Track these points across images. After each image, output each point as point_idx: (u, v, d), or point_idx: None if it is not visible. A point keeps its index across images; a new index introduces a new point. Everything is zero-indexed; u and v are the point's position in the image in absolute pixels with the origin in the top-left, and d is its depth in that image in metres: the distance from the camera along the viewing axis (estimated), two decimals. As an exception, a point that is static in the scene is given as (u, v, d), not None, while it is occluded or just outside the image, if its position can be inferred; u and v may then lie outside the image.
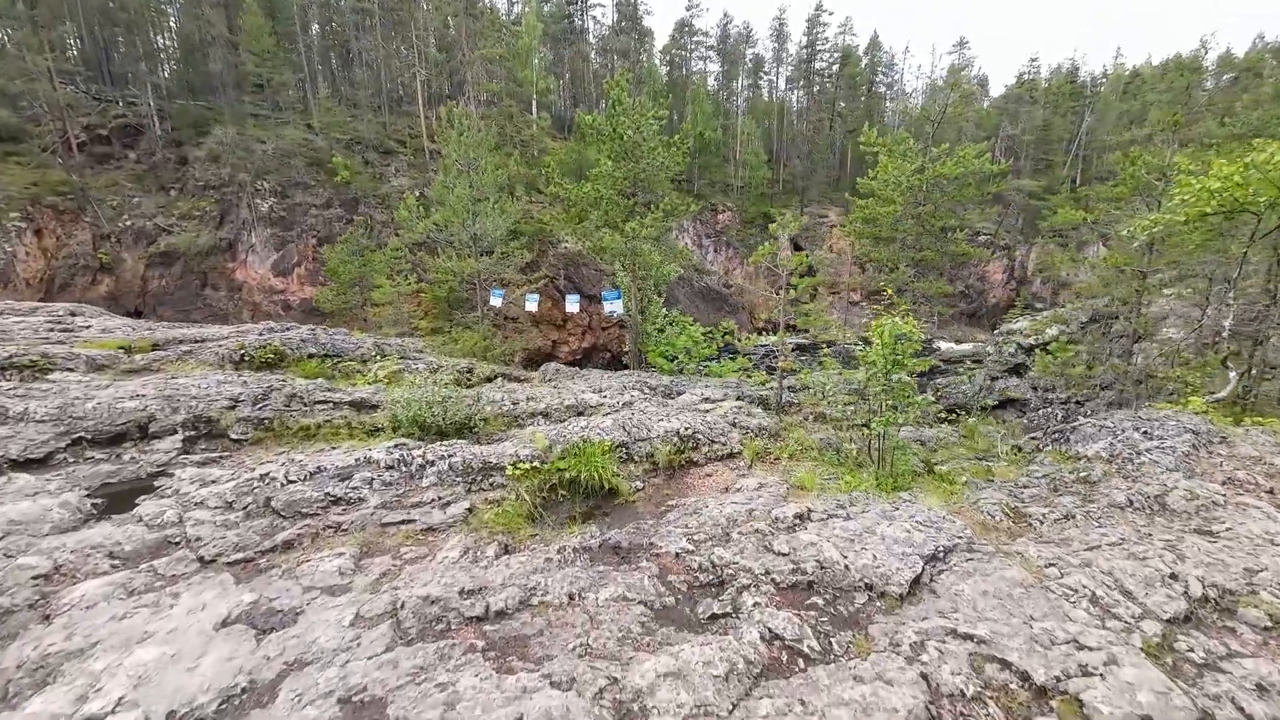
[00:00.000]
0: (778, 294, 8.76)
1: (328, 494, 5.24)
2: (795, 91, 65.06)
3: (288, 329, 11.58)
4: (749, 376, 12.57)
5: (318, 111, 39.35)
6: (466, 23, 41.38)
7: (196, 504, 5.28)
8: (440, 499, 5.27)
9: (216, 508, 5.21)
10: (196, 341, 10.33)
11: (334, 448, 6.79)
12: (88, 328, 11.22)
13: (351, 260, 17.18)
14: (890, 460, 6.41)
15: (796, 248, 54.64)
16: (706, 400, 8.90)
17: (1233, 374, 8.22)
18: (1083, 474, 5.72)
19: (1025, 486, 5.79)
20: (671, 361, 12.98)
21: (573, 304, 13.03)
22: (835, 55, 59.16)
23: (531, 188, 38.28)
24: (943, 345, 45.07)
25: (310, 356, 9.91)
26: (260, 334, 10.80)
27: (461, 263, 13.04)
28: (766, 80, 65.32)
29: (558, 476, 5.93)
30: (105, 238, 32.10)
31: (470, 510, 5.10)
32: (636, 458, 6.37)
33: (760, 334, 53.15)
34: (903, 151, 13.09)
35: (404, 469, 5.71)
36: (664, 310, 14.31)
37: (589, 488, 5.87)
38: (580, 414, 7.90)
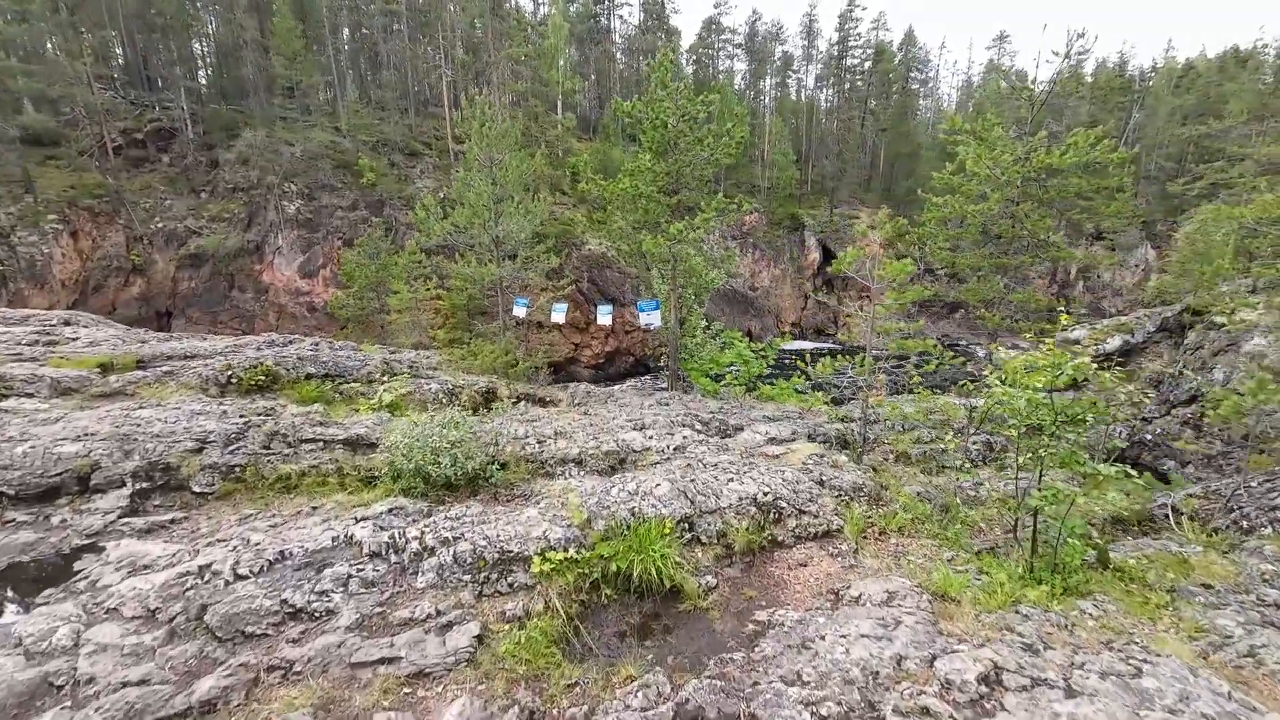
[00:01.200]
0: (861, 306, 6.96)
1: (284, 602, 3.66)
2: (825, 90, 62.36)
3: (289, 342, 10.18)
4: (804, 399, 10.74)
5: (345, 114, 38.58)
6: (493, 23, 40.14)
7: (109, 610, 3.76)
8: (439, 614, 3.64)
9: (133, 619, 3.68)
10: (185, 358, 8.97)
11: (315, 508, 5.24)
12: (75, 339, 9.98)
13: (369, 264, 15.85)
14: (1054, 548, 4.57)
15: (825, 251, 52.22)
16: (773, 441, 7.14)
17: None
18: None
19: (1277, 605, 3.91)
20: (717, 381, 11.24)
21: (604, 315, 11.41)
22: (868, 52, 56.35)
23: (556, 189, 36.88)
24: (980, 352, 42.21)
25: (308, 377, 8.46)
26: (257, 349, 9.40)
27: (482, 268, 11.51)
28: (795, 78, 62.76)
29: (601, 568, 4.26)
30: (138, 240, 31.73)
31: (480, 639, 3.46)
32: (705, 537, 4.66)
33: (784, 337, 50.93)
34: (996, 138, 11.06)
35: (394, 558, 4.10)
36: (705, 321, 12.59)
37: (644, 584, 4.20)
38: (622, 461, 6.23)
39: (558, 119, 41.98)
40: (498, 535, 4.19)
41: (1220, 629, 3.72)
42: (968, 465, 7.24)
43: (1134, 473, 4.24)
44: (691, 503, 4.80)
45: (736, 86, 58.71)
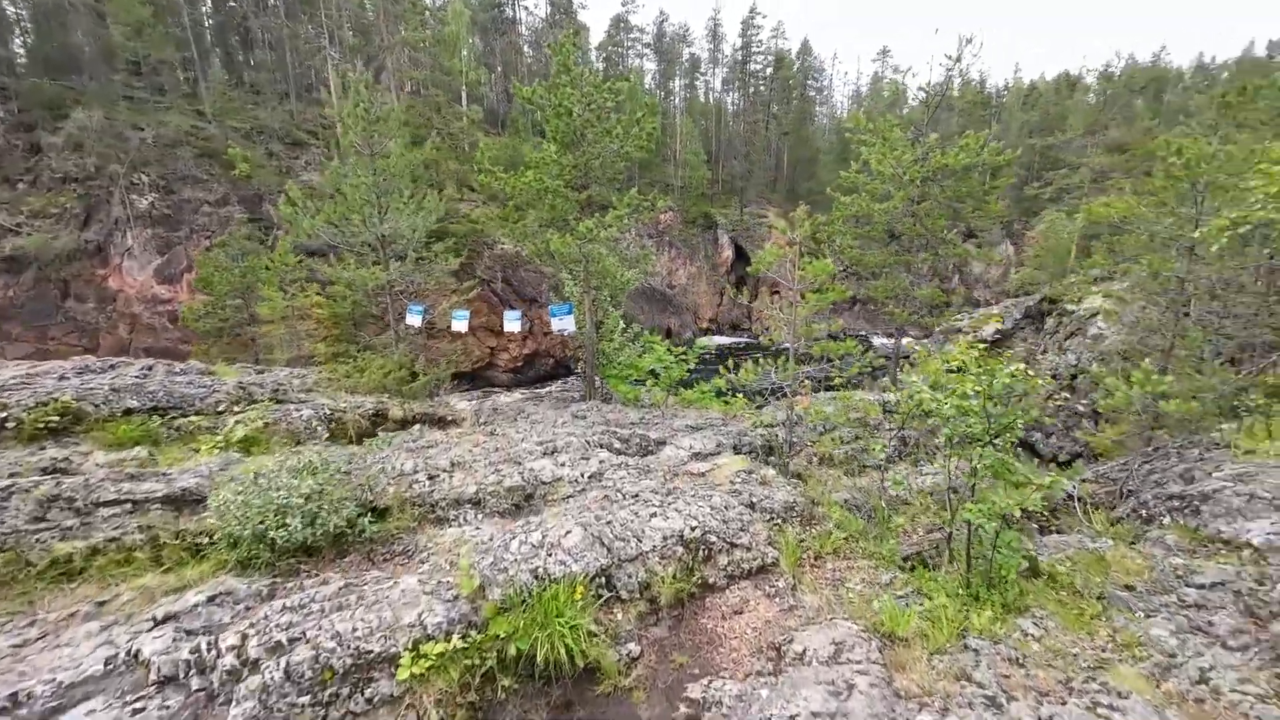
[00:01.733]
0: (780, 305, 6.55)
1: (1, 784, 2.42)
2: (731, 93, 64.09)
3: (111, 367, 8.14)
4: (727, 403, 10.35)
5: (210, 96, 33.68)
6: (386, 4, 36.80)
7: None
8: (256, 767, 2.58)
9: None
10: (-52, 395, 6.80)
11: (102, 604, 3.86)
12: None
13: (231, 268, 13.34)
14: (989, 561, 4.30)
15: (738, 249, 53.73)
16: (697, 456, 6.54)
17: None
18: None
19: (1199, 606, 3.83)
20: (637, 386, 10.56)
21: (513, 322, 10.31)
22: (769, 58, 58.52)
23: (464, 184, 34.62)
24: (877, 341, 45.24)
25: (129, 413, 6.68)
26: (61, 378, 7.37)
27: (365, 271, 9.91)
28: (703, 81, 63.91)
29: (498, 651, 3.37)
30: (-72, 240, 25.67)
31: (312, 803, 2.45)
32: (625, 592, 3.90)
33: (706, 335, 51.79)
34: (896, 139, 11.32)
35: (196, 682, 2.95)
36: (622, 323, 11.86)
37: (552, 666, 3.36)
38: (529, 497, 5.32)
39: (462, 110, 39.47)
40: (353, 629, 3.15)
41: (1157, 642, 3.54)
42: (886, 466, 7.08)
43: (1063, 478, 4.03)
44: (609, 550, 4.02)
45: (647, 86, 58.68)
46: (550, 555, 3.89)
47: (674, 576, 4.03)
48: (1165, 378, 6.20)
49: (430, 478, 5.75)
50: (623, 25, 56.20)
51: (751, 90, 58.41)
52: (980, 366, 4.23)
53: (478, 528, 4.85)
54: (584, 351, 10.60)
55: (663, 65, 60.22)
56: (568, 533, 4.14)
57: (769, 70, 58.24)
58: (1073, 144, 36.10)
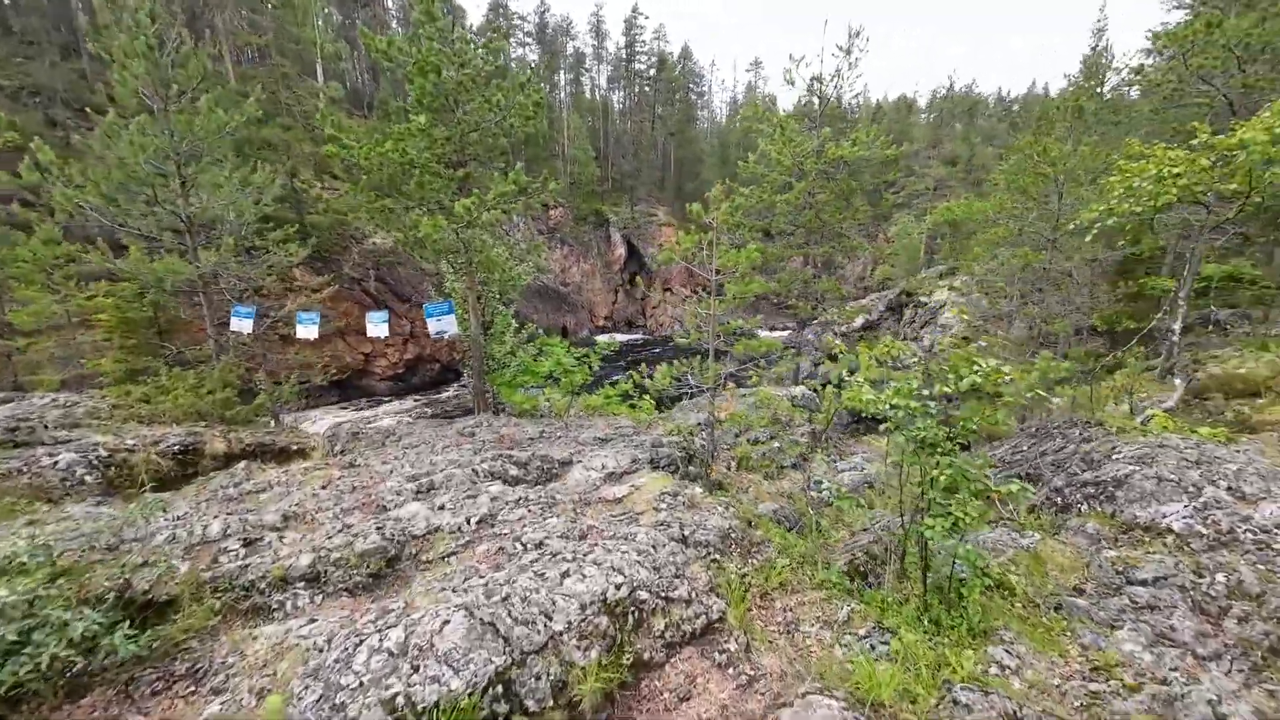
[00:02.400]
0: (699, 299, 5.75)
1: None
2: (617, 91, 63.73)
3: None
4: (634, 408, 9.44)
5: (-48, 41, 25.86)
6: (211, -49, 30.78)
7: None
8: None
9: None
10: None
11: None
12: None
13: (-40, 261, 9.59)
14: (949, 580, 3.80)
15: (630, 246, 53.59)
16: (611, 476, 5.51)
17: (1179, 380, 7.77)
18: (1215, 571, 3.71)
19: (1152, 607, 3.60)
20: (535, 394, 9.24)
21: (377, 325, 8.38)
22: (652, 59, 59.01)
23: (325, 171, 30.21)
24: (762, 334, 47.83)
25: None
26: None
27: (162, 263, 7.37)
28: (589, 77, 62.78)
29: None
30: None
31: None
32: (532, 702, 2.75)
33: (601, 334, 50.95)
34: (793, 130, 11.21)
35: None
36: (514, 323, 10.42)
37: None
38: (393, 561, 3.92)
39: (318, 86, 34.45)
40: None
41: (1134, 660, 3.20)
42: (806, 467, 6.62)
43: (1029, 486, 3.61)
44: (507, 642, 2.84)
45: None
46: (417, 668, 2.61)
47: (599, 664, 2.95)
48: (1063, 363, 6.47)
49: (248, 544, 4.09)
50: (502, 10, 53.25)
51: (637, 90, 58.60)
52: (941, 364, 3.69)
53: (312, 619, 3.37)
54: (471, 357, 9.04)
55: (546, 57, 58.14)
56: (444, 623, 2.88)
57: (652, 71, 58.77)
58: (918, 155, 40.63)
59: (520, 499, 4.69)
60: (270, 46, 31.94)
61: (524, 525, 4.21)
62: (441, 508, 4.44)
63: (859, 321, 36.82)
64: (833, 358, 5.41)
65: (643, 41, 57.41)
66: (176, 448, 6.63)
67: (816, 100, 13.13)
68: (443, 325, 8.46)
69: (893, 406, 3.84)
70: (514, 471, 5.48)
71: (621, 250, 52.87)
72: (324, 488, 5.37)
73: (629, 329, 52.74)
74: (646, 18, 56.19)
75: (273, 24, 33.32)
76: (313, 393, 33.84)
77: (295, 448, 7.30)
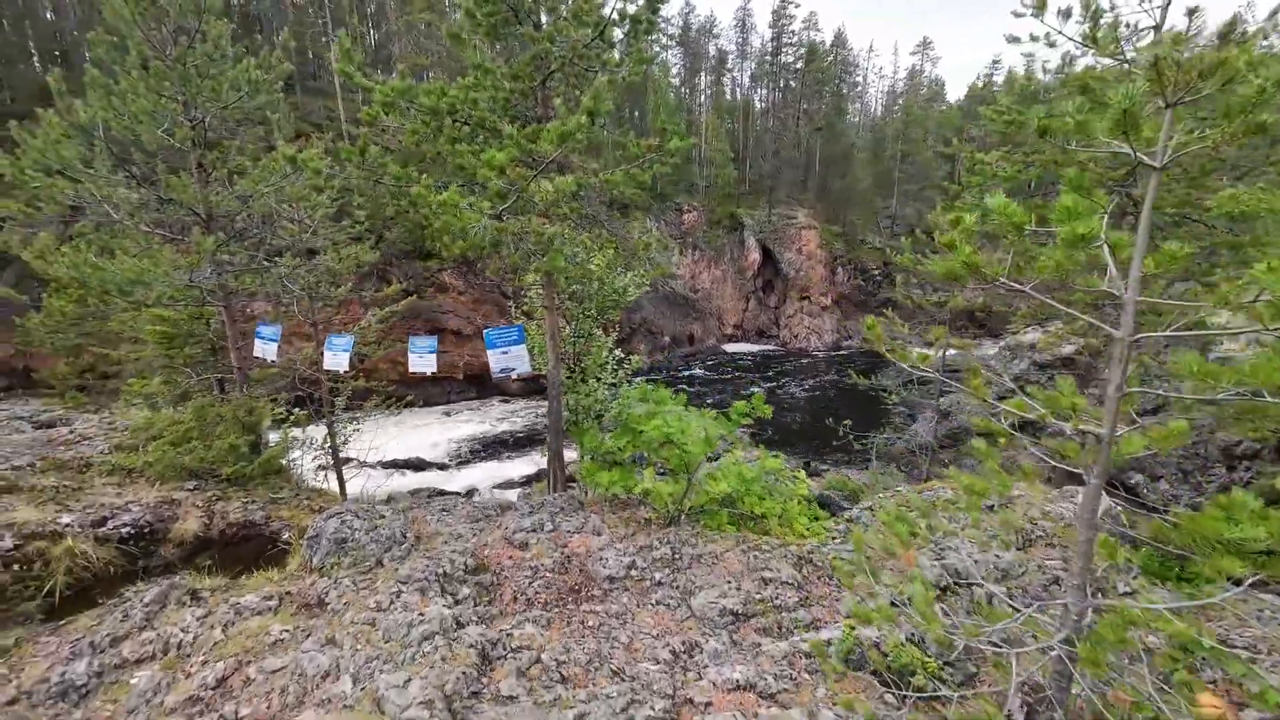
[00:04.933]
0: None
1: None
2: (760, 89, 58.82)
3: None
4: (810, 525, 5.65)
5: None
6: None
7: None
8: None
9: None
10: None
11: None
12: None
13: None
14: None
15: (765, 251, 48.59)
16: None
17: None
18: None
19: None
20: (634, 467, 6.03)
21: (422, 356, 5.90)
22: (800, 50, 53.10)
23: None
24: (903, 348, 39.47)
25: None
26: None
27: (143, 262, 5.18)
28: (730, 77, 58.81)
29: None
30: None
31: None
32: None
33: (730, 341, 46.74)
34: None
35: None
36: (615, 354, 7.30)
37: None
38: None
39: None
40: None
41: None
42: None
43: None
44: None
45: (672, 83, 53.99)
46: None
47: None
48: None
49: None
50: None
51: (782, 84, 53.16)
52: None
53: None
54: (548, 410, 6.10)
55: (689, 61, 55.43)
56: None
57: (800, 64, 52.83)
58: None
59: None
60: (436, 66, 33.36)
61: None
62: None
63: (1068, 347, 27.87)
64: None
65: (791, 32, 51.86)
66: (127, 529, 4.54)
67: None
68: (509, 360, 5.61)
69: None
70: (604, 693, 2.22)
71: (756, 255, 48.12)
72: (226, 677, 2.66)
73: (760, 339, 47.87)
74: (797, 5, 50.56)
75: (440, 48, 34.95)
76: (451, 388, 34.84)
77: (283, 540, 4.97)
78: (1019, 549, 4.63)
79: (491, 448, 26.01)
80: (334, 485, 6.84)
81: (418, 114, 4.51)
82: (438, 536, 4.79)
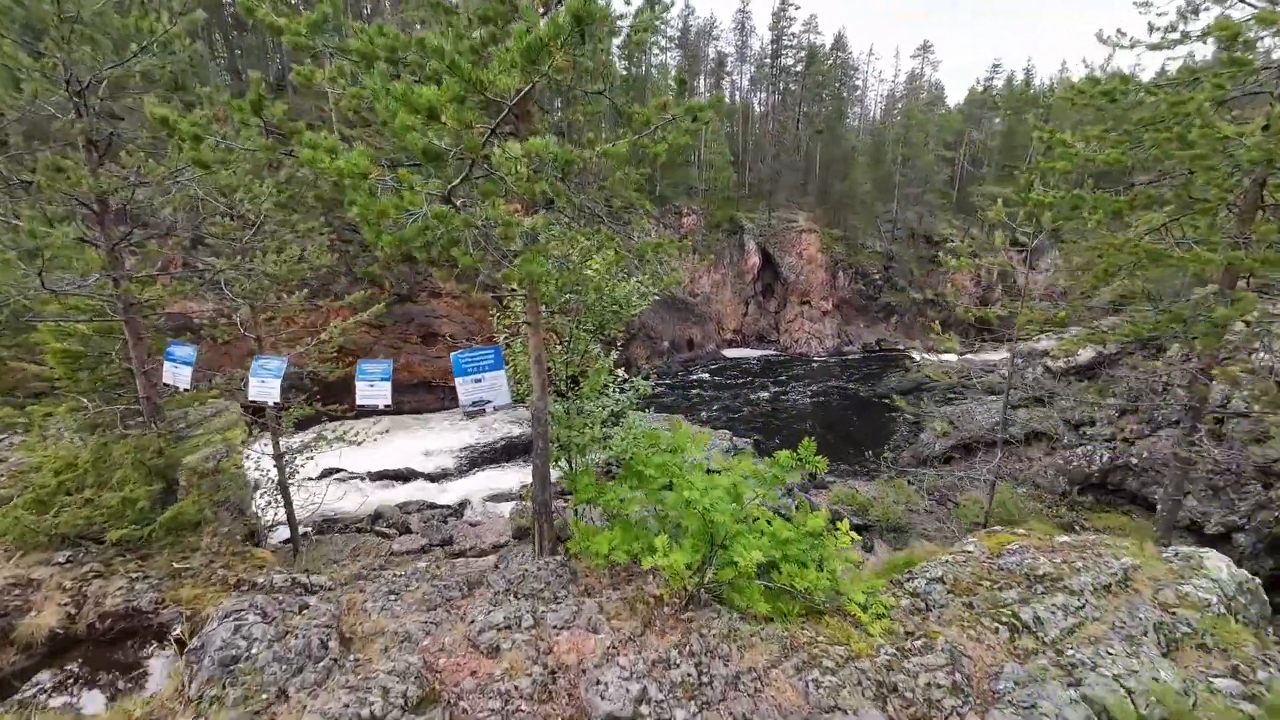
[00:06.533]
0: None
1: None
2: (759, 92, 57.68)
3: None
4: (869, 630, 4.32)
5: None
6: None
7: None
8: None
9: None
10: None
11: None
12: None
13: None
14: None
15: (765, 255, 47.35)
16: None
17: None
18: None
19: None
20: (637, 525, 4.70)
21: (374, 384, 4.67)
22: (800, 53, 51.97)
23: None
24: (918, 356, 38.34)
25: None
26: None
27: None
28: (729, 80, 57.64)
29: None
30: None
31: None
32: None
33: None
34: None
35: None
36: (615, 374, 6.01)
37: None
38: None
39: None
40: None
41: None
42: None
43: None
44: None
45: (672, 85, 52.82)
46: None
47: None
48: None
49: None
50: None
51: (782, 86, 52.02)
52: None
53: None
54: (534, 451, 4.80)
55: (687, 63, 54.24)
56: None
57: (800, 67, 51.72)
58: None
59: None
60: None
61: None
62: None
63: (1085, 354, 26.51)
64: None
65: (791, 35, 50.74)
66: None
67: None
68: (482, 390, 4.30)
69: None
70: None
71: (755, 259, 46.90)
72: None
73: (760, 344, 46.61)
74: (797, 8, 49.43)
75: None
76: (445, 394, 33.22)
77: (179, 631, 3.64)
78: (1163, 653, 3.35)
79: (486, 456, 24.70)
80: (283, 535, 5.53)
81: (353, 65, 3.27)
82: (376, 639, 3.45)
